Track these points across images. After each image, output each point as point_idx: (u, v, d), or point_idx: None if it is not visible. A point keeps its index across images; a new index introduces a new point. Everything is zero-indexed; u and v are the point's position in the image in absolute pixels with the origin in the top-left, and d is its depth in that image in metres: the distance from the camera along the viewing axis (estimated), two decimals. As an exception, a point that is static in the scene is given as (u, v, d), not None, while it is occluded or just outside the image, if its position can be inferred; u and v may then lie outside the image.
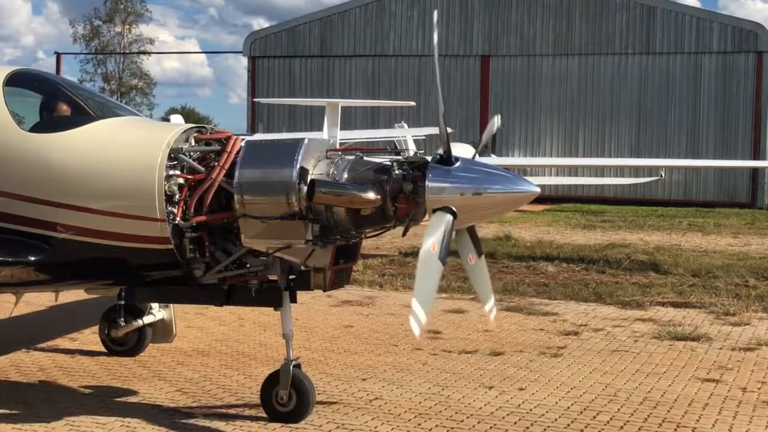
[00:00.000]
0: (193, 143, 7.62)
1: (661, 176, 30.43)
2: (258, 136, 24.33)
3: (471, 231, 7.22)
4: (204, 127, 8.00)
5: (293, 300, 7.72)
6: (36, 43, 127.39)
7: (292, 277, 7.61)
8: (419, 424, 7.57)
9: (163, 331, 9.86)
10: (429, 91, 41.80)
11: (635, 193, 38.31)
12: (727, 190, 39.81)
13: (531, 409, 8.04)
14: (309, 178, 6.98)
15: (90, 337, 10.55)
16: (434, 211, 6.78)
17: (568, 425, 7.62)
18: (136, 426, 7.42)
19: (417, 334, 6.65)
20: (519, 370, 9.45)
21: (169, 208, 7.29)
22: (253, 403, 7.92)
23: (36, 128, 8.02)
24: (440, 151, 7.00)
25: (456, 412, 7.92)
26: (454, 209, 6.74)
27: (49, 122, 8.30)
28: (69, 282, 8.31)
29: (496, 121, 8.36)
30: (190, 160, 7.44)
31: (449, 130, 7.09)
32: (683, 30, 40.88)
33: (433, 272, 6.67)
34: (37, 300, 12.25)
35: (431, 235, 6.65)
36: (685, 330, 11.46)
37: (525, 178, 7.39)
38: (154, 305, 9.62)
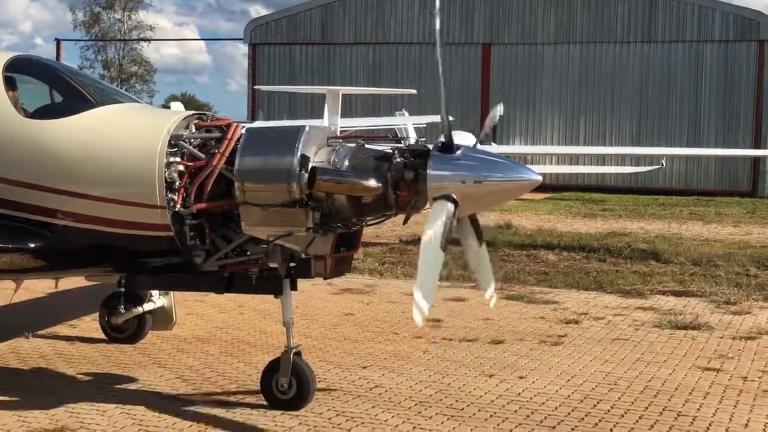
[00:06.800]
0: (194, 130, 7.59)
1: (662, 165, 30.38)
2: (258, 124, 24.28)
3: (473, 217, 7.16)
4: (204, 114, 7.98)
5: (294, 288, 7.71)
6: (33, 30, 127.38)
7: (292, 264, 7.59)
8: (419, 412, 7.57)
9: (163, 318, 9.85)
10: (430, 79, 41.66)
11: (636, 181, 38.28)
12: (728, 179, 39.76)
13: (531, 398, 8.04)
14: (310, 165, 6.95)
15: (90, 324, 10.54)
16: (435, 199, 6.73)
17: (569, 414, 7.62)
18: (136, 413, 7.42)
19: (419, 323, 6.53)
20: (519, 359, 9.44)
21: (170, 195, 7.26)
22: (254, 391, 7.92)
23: (36, 114, 7.99)
24: (442, 138, 6.96)
25: (456, 400, 7.91)
26: (455, 197, 6.68)
27: (49, 108, 8.27)
28: (69, 269, 8.29)
29: (498, 110, 8.30)
30: (191, 147, 7.42)
31: (450, 118, 7.05)
32: (685, 18, 40.77)
33: (435, 261, 6.59)
34: (37, 287, 12.24)
35: (432, 225, 6.58)
36: (686, 319, 11.45)
37: (527, 166, 7.35)
38: (154, 292, 9.61)
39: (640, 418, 7.55)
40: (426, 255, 6.57)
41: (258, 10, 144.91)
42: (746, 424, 7.47)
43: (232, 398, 7.88)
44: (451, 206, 6.64)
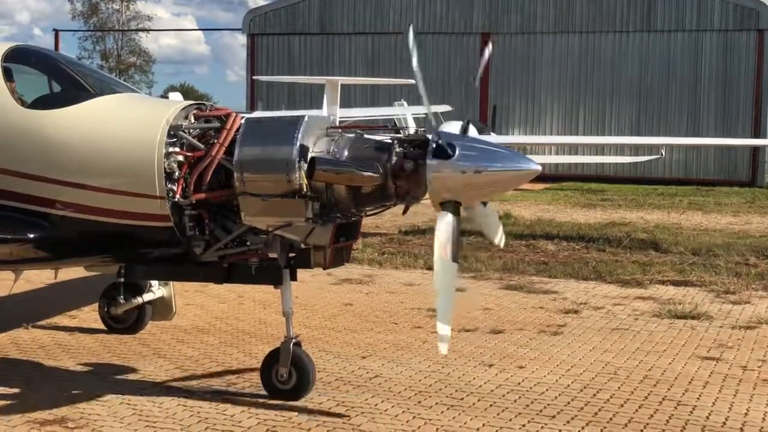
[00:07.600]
0: (193, 120, 7.58)
1: (662, 155, 30.36)
2: (258, 114, 24.25)
3: None
4: (203, 104, 7.97)
5: (293, 278, 7.70)
6: (32, 20, 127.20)
7: (292, 255, 7.59)
8: (419, 402, 7.58)
9: (162, 308, 9.84)
10: (429, 68, 41.62)
11: (635, 171, 38.20)
12: (727, 168, 39.70)
13: (531, 387, 8.04)
14: (309, 155, 6.95)
15: (89, 315, 10.55)
16: (440, 205, 6.77)
17: (568, 403, 7.63)
18: (136, 403, 7.42)
19: (444, 353, 6.91)
20: (519, 348, 9.45)
21: (169, 186, 7.26)
22: (253, 381, 7.92)
23: (34, 105, 7.98)
24: (441, 128, 6.97)
25: (456, 390, 7.92)
26: (457, 201, 6.74)
27: (47, 99, 8.25)
28: (68, 259, 8.30)
29: (488, 51, 8.35)
30: (190, 138, 7.41)
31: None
32: (684, 8, 40.62)
33: (450, 278, 6.75)
34: (37, 278, 12.24)
35: (440, 240, 6.67)
36: (686, 308, 11.45)
37: (526, 156, 7.36)
38: (154, 283, 9.60)
39: (639, 407, 7.56)
40: (440, 272, 6.69)
41: (256, 1, 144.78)
42: (746, 413, 7.48)
43: (231, 388, 7.88)
44: (451, 218, 6.69)
